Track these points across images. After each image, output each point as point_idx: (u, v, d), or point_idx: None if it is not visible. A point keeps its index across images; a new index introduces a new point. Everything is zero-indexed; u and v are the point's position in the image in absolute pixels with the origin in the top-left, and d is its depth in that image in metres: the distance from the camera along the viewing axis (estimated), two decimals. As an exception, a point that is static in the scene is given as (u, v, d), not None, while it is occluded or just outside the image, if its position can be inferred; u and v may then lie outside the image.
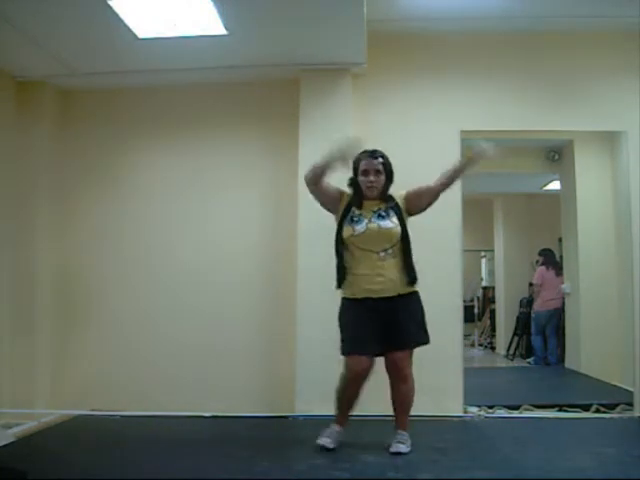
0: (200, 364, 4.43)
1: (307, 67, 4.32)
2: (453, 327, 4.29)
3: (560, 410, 4.45)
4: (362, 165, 3.24)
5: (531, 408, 4.48)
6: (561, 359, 6.96)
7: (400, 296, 3.16)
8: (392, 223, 3.18)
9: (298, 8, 3.62)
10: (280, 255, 4.44)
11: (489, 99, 4.46)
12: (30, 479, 2.63)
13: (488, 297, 10.35)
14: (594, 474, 2.81)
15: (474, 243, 10.19)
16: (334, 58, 4.24)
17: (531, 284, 8.11)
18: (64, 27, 3.77)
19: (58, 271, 4.58)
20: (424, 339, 3.21)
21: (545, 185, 7.97)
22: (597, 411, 4.47)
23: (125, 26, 3.70)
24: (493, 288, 9.91)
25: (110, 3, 3.44)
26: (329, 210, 3.32)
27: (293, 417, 4.06)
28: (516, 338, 8.47)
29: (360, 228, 3.17)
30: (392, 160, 3.30)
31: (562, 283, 6.85)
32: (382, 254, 3.14)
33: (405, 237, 3.19)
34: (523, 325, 8.29)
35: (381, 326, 3.12)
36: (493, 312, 9.77)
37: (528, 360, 7.85)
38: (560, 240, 7.50)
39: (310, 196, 3.35)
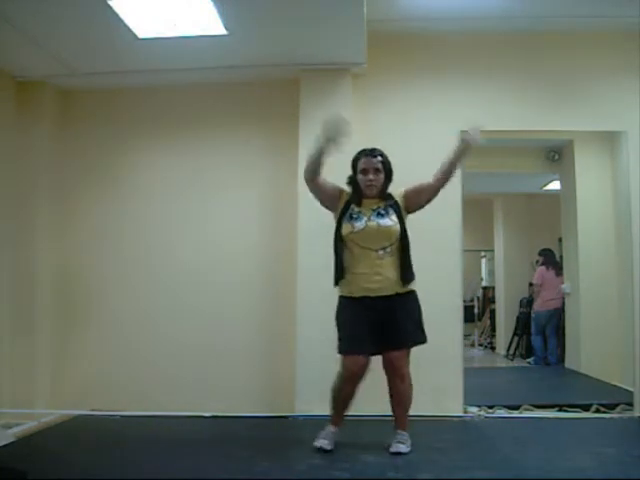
0: (200, 364, 4.43)
1: (307, 67, 4.32)
2: (453, 327, 4.30)
3: (560, 410, 4.45)
4: (361, 164, 3.24)
5: (531, 408, 4.48)
6: (561, 359, 6.95)
7: (398, 295, 3.16)
8: (391, 221, 3.18)
9: (298, 8, 3.62)
10: (280, 255, 4.44)
11: (489, 99, 4.46)
12: (30, 479, 2.63)
13: (488, 297, 10.35)
14: (594, 474, 2.81)
15: (474, 243, 10.19)
16: (334, 58, 4.24)
17: (531, 284, 8.11)
18: (64, 27, 3.77)
19: (58, 271, 4.58)
20: (421, 338, 3.21)
21: (545, 185, 7.97)
22: (597, 411, 4.47)
23: (125, 26, 3.70)
24: (493, 288, 9.91)
25: (110, 3, 3.44)
26: (328, 208, 3.32)
27: (293, 417, 4.06)
28: (516, 338, 8.47)
29: (359, 225, 3.17)
30: (392, 160, 3.30)
31: (562, 283, 6.85)
32: (381, 252, 3.14)
33: (404, 235, 3.20)
34: (523, 325, 8.29)
35: (378, 325, 3.12)
36: (493, 312, 9.77)
37: (528, 360, 7.85)
38: (560, 240, 7.50)
39: (310, 195, 3.35)
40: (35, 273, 4.46)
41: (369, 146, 3.31)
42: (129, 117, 4.71)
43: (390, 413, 3.25)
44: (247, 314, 4.47)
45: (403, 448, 3.10)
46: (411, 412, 3.25)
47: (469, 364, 6.24)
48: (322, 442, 3.16)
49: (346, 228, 3.19)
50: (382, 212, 3.20)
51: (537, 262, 7.75)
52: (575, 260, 6.28)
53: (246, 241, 4.52)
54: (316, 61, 4.27)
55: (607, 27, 4.36)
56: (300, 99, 4.34)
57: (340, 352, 3.18)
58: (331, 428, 3.23)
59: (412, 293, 3.23)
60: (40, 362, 4.43)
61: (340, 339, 3.19)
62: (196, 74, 4.53)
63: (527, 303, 8.33)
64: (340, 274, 3.20)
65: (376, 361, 3.19)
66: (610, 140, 5.38)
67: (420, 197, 3.27)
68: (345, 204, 3.25)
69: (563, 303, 6.96)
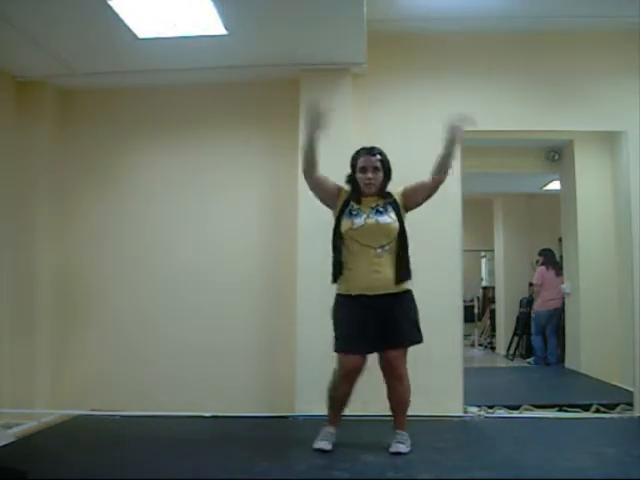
0: (200, 364, 4.43)
1: (307, 67, 4.32)
2: (453, 327, 4.30)
3: (560, 410, 4.45)
4: (360, 162, 3.25)
5: (531, 408, 4.48)
6: (561, 359, 6.96)
7: (394, 294, 3.16)
8: (390, 219, 3.19)
9: (298, 8, 3.62)
10: (280, 255, 4.44)
11: (489, 99, 4.46)
12: (30, 479, 2.63)
13: (488, 297, 10.36)
14: (594, 474, 2.81)
15: (474, 243, 10.19)
16: (334, 58, 4.24)
17: (531, 284, 8.11)
18: (64, 27, 3.77)
19: (58, 271, 4.58)
20: (418, 338, 3.21)
21: (545, 185, 7.97)
22: (597, 411, 4.47)
23: (125, 26, 3.70)
24: (493, 288, 9.92)
25: (110, 3, 3.44)
26: (328, 206, 3.33)
27: (293, 417, 4.06)
28: (516, 338, 8.48)
29: (359, 222, 3.17)
30: (392, 160, 3.30)
31: (562, 283, 6.85)
32: (379, 250, 3.14)
33: (402, 233, 3.20)
34: (523, 325, 8.29)
35: (375, 323, 3.12)
36: (493, 312, 9.77)
37: (528, 360, 7.85)
38: (560, 240, 7.50)
39: (310, 195, 3.36)
40: (35, 273, 4.46)
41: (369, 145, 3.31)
42: (129, 117, 4.71)
43: (390, 413, 3.24)
44: (247, 314, 4.47)
45: (403, 448, 3.10)
46: (411, 412, 3.25)
47: (469, 364, 6.24)
48: (321, 444, 3.16)
49: (345, 224, 3.19)
50: (381, 209, 3.20)
51: (537, 262, 7.75)
52: (575, 260, 6.28)
53: (246, 241, 4.52)
54: (316, 61, 4.27)
55: (607, 27, 4.36)
56: (300, 99, 4.33)
57: (336, 350, 3.19)
58: (329, 429, 3.24)
59: (408, 292, 3.22)
60: (40, 362, 4.43)
61: (336, 337, 3.20)
62: (196, 74, 4.53)
63: (527, 303, 8.33)
64: (338, 271, 3.20)
65: (374, 362, 3.19)
66: (610, 140, 5.39)
67: (418, 195, 3.27)
68: (344, 201, 3.26)
69: (563, 303, 6.97)
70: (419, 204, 3.29)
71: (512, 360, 8.27)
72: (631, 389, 4.50)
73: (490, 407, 4.41)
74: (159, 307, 4.53)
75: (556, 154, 6.62)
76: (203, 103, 4.67)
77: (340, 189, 3.31)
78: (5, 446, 3.35)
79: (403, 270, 3.17)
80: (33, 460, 3.05)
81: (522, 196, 8.99)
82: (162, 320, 4.50)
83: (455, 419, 4.06)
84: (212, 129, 4.66)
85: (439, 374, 4.13)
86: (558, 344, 7.17)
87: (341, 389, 3.20)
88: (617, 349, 5.38)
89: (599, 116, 4.45)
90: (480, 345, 9.98)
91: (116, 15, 3.56)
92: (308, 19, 3.74)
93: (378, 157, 3.25)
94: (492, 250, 9.91)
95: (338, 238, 3.21)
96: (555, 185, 7.28)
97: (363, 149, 3.29)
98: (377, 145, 3.31)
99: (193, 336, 4.44)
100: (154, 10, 3.59)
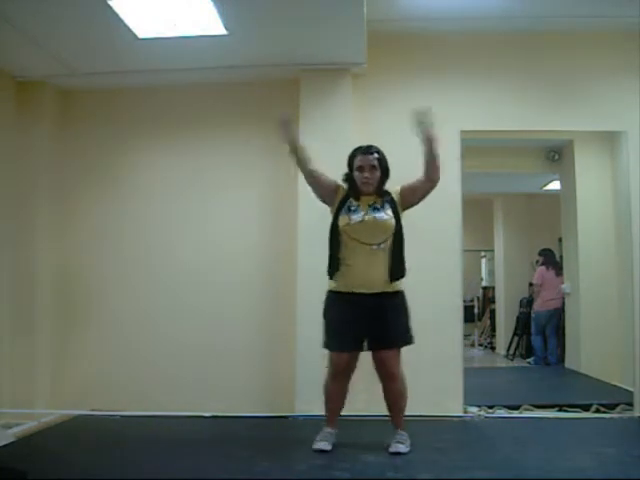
0: (200, 364, 4.43)
1: (307, 67, 4.32)
2: (453, 327, 4.29)
3: (560, 410, 4.45)
4: (357, 161, 3.25)
5: (531, 408, 4.48)
6: (561, 359, 6.96)
7: (387, 293, 3.16)
8: (387, 215, 3.19)
9: (298, 8, 3.62)
10: (280, 255, 4.44)
11: (489, 99, 4.46)
12: (30, 479, 2.63)
13: (488, 297, 10.36)
14: (594, 474, 2.81)
15: (474, 243, 10.19)
16: (334, 58, 4.24)
17: (531, 284, 8.11)
18: (64, 27, 3.77)
19: (58, 271, 4.58)
20: (410, 339, 3.21)
21: (545, 185, 7.97)
22: (597, 411, 4.47)
23: (125, 26, 3.70)
24: (493, 288, 9.91)
25: (110, 3, 3.44)
26: (326, 202, 3.33)
27: (293, 417, 4.06)
28: (516, 338, 8.47)
29: (357, 217, 3.17)
30: (392, 160, 3.30)
31: (562, 283, 6.85)
32: (375, 247, 3.14)
33: (399, 231, 3.20)
34: (523, 325, 8.29)
35: (367, 322, 3.13)
36: (493, 312, 9.77)
37: (528, 360, 7.85)
38: (560, 240, 7.50)
39: (310, 195, 3.38)
40: (35, 273, 4.46)
41: (369, 145, 3.31)
42: (129, 117, 4.71)
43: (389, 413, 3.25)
44: (247, 314, 4.47)
45: (402, 448, 3.10)
46: (411, 412, 3.26)
47: (469, 364, 6.24)
48: (320, 444, 3.16)
49: (343, 220, 3.19)
50: (378, 207, 3.20)
51: (537, 262, 7.75)
52: (575, 260, 6.28)
53: (246, 241, 4.52)
54: (316, 61, 4.27)
55: (607, 27, 4.36)
56: (300, 99, 4.33)
57: (326, 347, 3.21)
58: (328, 429, 3.24)
59: (401, 293, 3.22)
60: (40, 362, 4.43)
61: (327, 335, 3.22)
62: (196, 74, 4.53)
63: (527, 303, 8.33)
64: (335, 267, 3.20)
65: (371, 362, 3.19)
66: (610, 140, 5.39)
67: (414, 194, 3.27)
68: (343, 198, 3.26)
69: (563, 303, 6.97)
70: (415, 203, 3.29)
71: (512, 360, 8.27)
72: (631, 389, 4.50)
73: (490, 407, 4.41)
74: (159, 307, 4.53)
75: (556, 154, 6.62)
76: (203, 103, 4.67)
77: (338, 186, 3.31)
78: (5, 446, 3.35)
79: (398, 268, 3.17)
80: (33, 460, 3.05)
81: (522, 196, 8.99)
82: (162, 320, 4.50)
83: (455, 419, 4.06)
84: (212, 129, 4.66)
85: (439, 374, 4.13)
86: (558, 344, 7.17)
87: (333, 387, 3.22)
88: (617, 349, 5.38)
89: (599, 116, 4.45)
90: (480, 345, 9.98)
91: (116, 15, 3.56)
92: (308, 19, 3.74)
93: (375, 156, 3.24)
94: (492, 250, 9.91)
95: (335, 234, 3.21)
96: (555, 185, 7.28)
97: (360, 148, 3.29)
98: (377, 145, 3.31)
99: (193, 336, 4.44)
100: (154, 10, 3.59)
